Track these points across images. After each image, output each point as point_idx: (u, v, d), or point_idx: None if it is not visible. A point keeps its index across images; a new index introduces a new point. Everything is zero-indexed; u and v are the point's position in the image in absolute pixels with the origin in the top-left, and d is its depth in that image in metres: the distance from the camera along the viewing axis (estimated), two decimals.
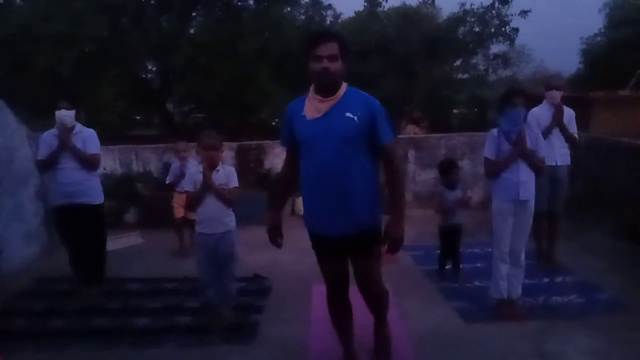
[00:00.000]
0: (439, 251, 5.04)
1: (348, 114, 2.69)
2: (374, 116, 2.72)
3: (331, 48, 2.66)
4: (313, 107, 2.76)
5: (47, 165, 4.50)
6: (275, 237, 3.11)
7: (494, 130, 3.99)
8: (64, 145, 4.36)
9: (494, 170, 3.96)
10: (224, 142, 3.97)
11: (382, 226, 2.88)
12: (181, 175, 5.77)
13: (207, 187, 3.77)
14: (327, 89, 2.73)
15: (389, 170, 2.88)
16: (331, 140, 2.69)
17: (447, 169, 4.90)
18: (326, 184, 2.75)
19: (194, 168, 4.08)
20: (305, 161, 2.84)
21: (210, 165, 3.81)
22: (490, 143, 3.97)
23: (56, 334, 3.97)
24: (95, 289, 4.60)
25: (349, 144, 2.69)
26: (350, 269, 3.02)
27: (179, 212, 5.88)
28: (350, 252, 2.92)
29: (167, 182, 6.10)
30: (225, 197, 3.81)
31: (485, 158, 4.01)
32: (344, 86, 2.79)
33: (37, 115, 7.27)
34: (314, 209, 2.88)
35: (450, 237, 4.92)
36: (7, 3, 11.33)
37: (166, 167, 7.49)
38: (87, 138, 4.48)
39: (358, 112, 2.69)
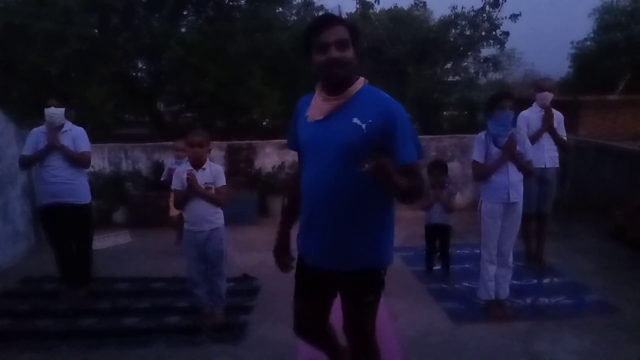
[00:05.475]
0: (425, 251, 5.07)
1: (355, 120, 2.08)
2: (392, 127, 2.09)
3: (339, 32, 2.07)
4: (316, 106, 2.22)
5: (30, 162, 4.45)
6: (282, 259, 2.59)
7: (482, 134, 4.02)
8: (53, 145, 4.28)
9: (482, 173, 3.98)
10: (213, 142, 3.91)
11: (387, 267, 2.41)
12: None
13: (190, 188, 3.71)
14: (335, 85, 2.15)
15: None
16: (329, 152, 2.12)
17: (434, 169, 4.95)
18: (319, 205, 2.22)
19: (181, 167, 4.02)
20: (304, 172, 2.32)
21: (195, 164, 3.75)
22: (478, 146, 4.00)
23: (43, 334, 3.93)
24: (83, 290, 4.55)
25: (351, 159, 2.04)
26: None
27: (173, 211, 5.77)
28: (341, 291, 2.39)
29: (161, 179, 6.09)
30: (212, 198, 3.76)
31: (474, 161, 4.03)
32: (359, 82, 2.17)
33: (26, 115, 7.20)
34: (304, 232, 2.36)
35: (435, 236, 4.97)
36: None
37: (156, 166, 7.47)
38: (76, 136, 4.40)
39: (369, 119, 2.07)
